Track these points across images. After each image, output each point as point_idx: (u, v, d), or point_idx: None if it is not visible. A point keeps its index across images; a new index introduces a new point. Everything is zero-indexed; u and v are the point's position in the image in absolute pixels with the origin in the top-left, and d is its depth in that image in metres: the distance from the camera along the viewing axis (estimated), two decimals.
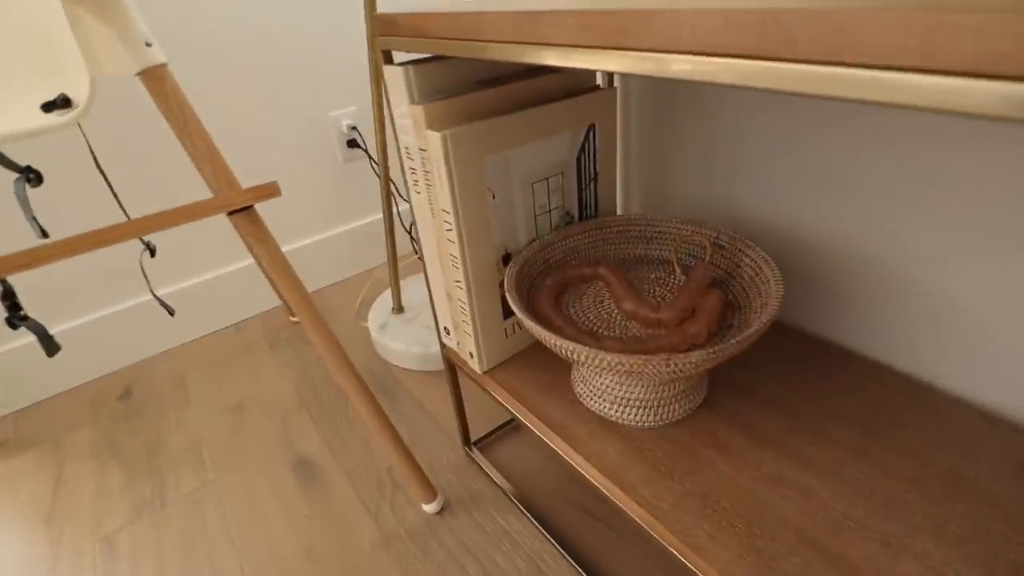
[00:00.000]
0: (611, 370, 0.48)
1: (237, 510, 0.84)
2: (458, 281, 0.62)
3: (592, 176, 0.67)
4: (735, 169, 0.68)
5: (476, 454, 0.87)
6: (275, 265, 0.63)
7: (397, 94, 0.57)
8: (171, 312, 0.87)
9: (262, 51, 1.14)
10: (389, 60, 0.57)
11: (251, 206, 0.61)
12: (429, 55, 0.57)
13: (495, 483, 0.82)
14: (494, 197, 0.59)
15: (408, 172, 0.62)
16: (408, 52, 0.53)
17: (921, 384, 0.59)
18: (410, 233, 1.30)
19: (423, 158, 0.57)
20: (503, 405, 0.66)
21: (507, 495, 0.80)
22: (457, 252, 0.59)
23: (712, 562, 0.46)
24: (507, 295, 0.56)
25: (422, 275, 1.29)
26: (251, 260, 1.27)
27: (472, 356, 0.68)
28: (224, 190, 0.59)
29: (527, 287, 0.62)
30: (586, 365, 0.49)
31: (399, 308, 1.16)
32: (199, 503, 0.86)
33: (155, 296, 0.88)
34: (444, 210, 0.58)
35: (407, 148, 0.60)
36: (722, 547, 0.47)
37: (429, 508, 0.79)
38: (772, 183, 0.65)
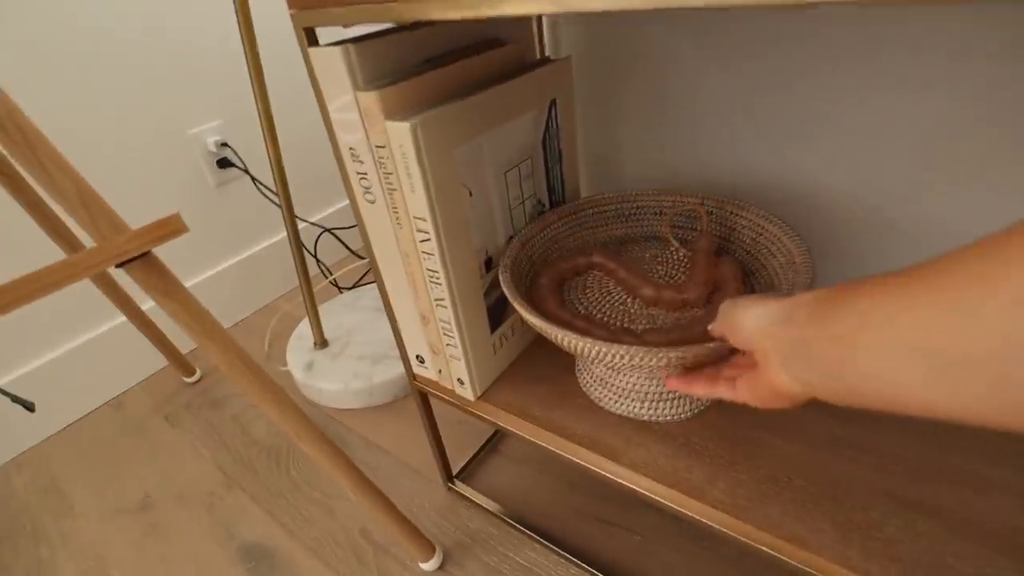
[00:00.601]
0: (673, 366, 0.41)
1: None
2: (440, 300, 0.52)
3: (557, 157, 0.60)
4: (688, 132, 0.65)
5: (462, 487, 0.77)
6: (193, 321, 0.48)
7: (333, 82, 0.45)
8: (30, 408, 0.66)
9: (95, 62, 0.91)
10: (314, 41, 0.45)
11: (149, 252, 0.46)
12: (364, 34, 0.46)
13: (494, 515, 0.73)
14: (471, 194, 0.50)
15: (356, 178, 0.50)
16: (345, 26, 0.42)
17: None
18: (315, 255, 1.14)
19: (380, 157, 0.46)
20: (511, 431, 0.57)
21: (511, 526, 0.71)
22: (438, 265, 0.49)
23: (818, 551, 0.42)
24: (514, 303, 0.47)
25: (338, 302, 1.13)
26: (119, 318, 1.03)
27: (462, 383, 0.58)
28: (109, 236, 0.43)
29: (524, 291, 0.54)
30: (640, 367, 0.42)
31: (322, 342, 1.01)
32: None
33: (3, 392, 0.66)
34: (418, 217, 0.47)
35: (353, 149, 0.48)
36: (820, 532, 0.43)
37: (428, 566, 0.68)
38: (732, 141, 0.63)
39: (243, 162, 1.09)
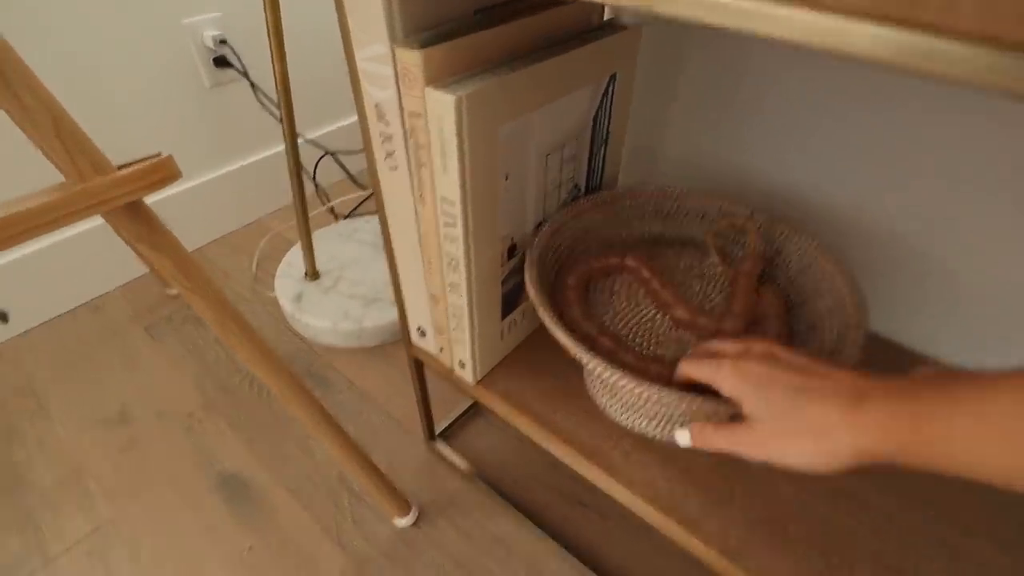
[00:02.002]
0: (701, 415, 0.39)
1: (155, 554, 0.67)
2: (455, 285, 0.48)
3: (604, 138, 0.54)
4: (749, 134, 0.59)
5: (443, 448, 0.76)
6: (183, 277, 0.43)
7: (366, 28, 0.38)
8: (3, 318, 0.62)
9: None
10: None
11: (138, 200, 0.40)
12: None
13: (473, 481, 0.73)
14: (507, 178, 0.45)
15: (379, 140, 0.44)
16: None
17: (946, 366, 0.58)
18: (314, 179, 1.06)
19: (412, 126, 0.40)
20: (506, 421, 0.55)
21: (490, 494, 0.71)
22: (460, 252, 0.45)
23: None
24: (541, 313, 0.44)
25: (333, 230, 1.08)
26: (96, 220, 0.97)
27: (463, 365, 0.56)
28: (89, 178, 0.38)
29: (548, 288, 0.50)
30: (665, 404, 0.39)
31: (313, 274, 0.97)
32: (99, 552, 0.67)
33: None
34: (447, 199, 0.42)
35: (379, 107, 0.42)
36: None
37: (402, 522, 0.68)
38: (795, 154, 0.57)
39: (242, 64, 0.99)
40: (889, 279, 0.58)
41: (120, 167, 0.39)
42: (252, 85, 0.99)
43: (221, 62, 0.99)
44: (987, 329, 0.55)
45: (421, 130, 0.40)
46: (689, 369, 0.39)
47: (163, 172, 0.40)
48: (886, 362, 0.58)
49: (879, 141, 0.52)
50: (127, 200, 0.38)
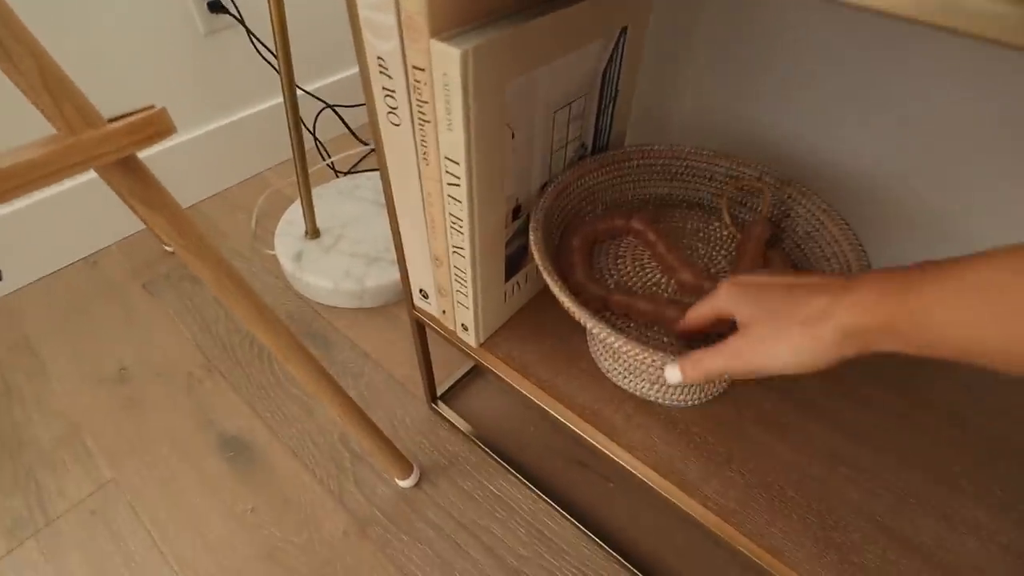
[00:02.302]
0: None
1: (157, 514, 0.68)
2: (458, 248, 0.47)
3: (612, 96, 0.52)
4: (761, 87, 0.57)
5: (444, 410, 0.77)
6: (179, 236, 0.42)
7: None
8: None
9: None
10: None
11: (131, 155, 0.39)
12: None
13: (474, 442, 0.74)
14: (513, 136, 0.43)
15: (381, 94, 0.42)
16: None
17: None
18: (313, 133, 1.04)
19: (416, 80, 0.39)
20: (510, 384, 0.55)
21: (491, 455, 0.72)
22: (464, 214, 0.44)
23: (793, 565, 0.42)
24: (547, 276, 0.43)
25: (333, 186, 1.06)
26: (90, 174, 0.95)
27: (466, 328, 0.55)
28: (80, 130, 0.36)
29: (552, 251, 0.49)
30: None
31: (314, 232, 0.95)
32: (101, 511, 0.68)
33: None
34: (450, 158, 0.41)
35: (381, 60, 0.40)
36: (800, 547, 0.43)
37: (405, 483, 0.69)
38: (811, 109, 0.55)
39: (238, 9, 0.95)
40: (899, 240, 0.57)
41: (111, 120, 0.37)
42: (248, 32, 0.95)
43: (216, 7, 0.95)
44: None
45: (425, 86, 0.38)
46: (692, 311, 0.40)
47: (156, 126, 0.38)
48: None
49: (892, 98, 0.50)
50: (119, 156, 0.36)
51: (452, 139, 0.39)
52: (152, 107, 0.39)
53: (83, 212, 0.96)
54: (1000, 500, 0.46)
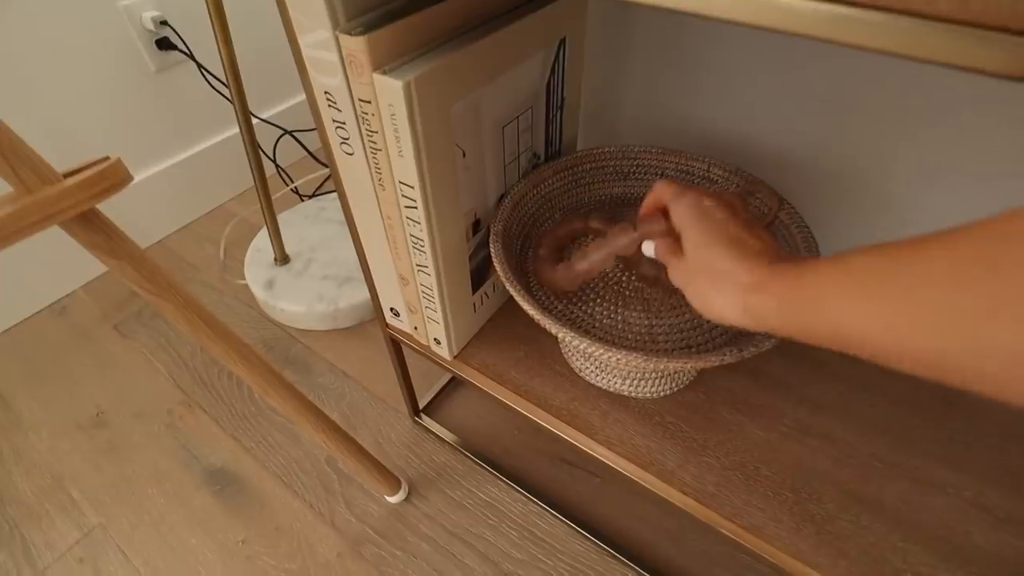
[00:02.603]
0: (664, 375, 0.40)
1: (147, 555, 0.67)
2: (423, 266, 0.48)
3: (559, 103, 0.54)
4: (700, 84, 0.59)
5: (428, 422, 0.78)
6: (145, 282, 0.43)
7: (307, 11, 0.37)
8: None
9: None
10: None
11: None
12: None
13: (460, 451, 0.75)
14: (464, 155, 0.44)
15: (332, 126, 0.43)
16: None
17: None
18: (274, 160, 1.03)
19: (364, 112, 0.40)
20: (486, 392, 0.56)
21: (477, 463, 0.73)
22: (424, 233, 0.45)
23: (773, 541, 0.44)
24: (509, 287, 0.44)
25: (299, 211, 1.06)
26: None
27: (439, 342, 0.56)
28: (37, 189, 0.37)
29: (514, 261, 0.50)
30: (644, 370, 0.41)
31: (283, 258, 0.95)
32: (89, 558, 0.67)
33: None
34: (404, 182, 0.42)
35: (329, 95, 0.41)
36: (778, 523, 0.45)
37: (394, 499, 0.70)
38: (749, 101, 0.58)
39: (187, 45, 0.94)
40: (840, 217, 0.60)
41: (67, 174, 0.38)
42: (199, 66, 0.95)
43: (164, 44, 0.95)
44: None
45: (373, 116, 0.39)
46: (657, 188, 0.39)
47: (111, 179, 0.39)
48: None
49: (823, 86, 0.53)
50: (77, 211, 0.37)
51: (404, 164, 0.41)
52: (107, 159, 0.40)
53: (46, 258, 0.94)
54: (962, 457, 0.48)
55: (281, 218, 1.00)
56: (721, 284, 0.32)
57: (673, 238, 0.38)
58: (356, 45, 0.36)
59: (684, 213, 0.36)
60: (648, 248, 0.40)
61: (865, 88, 0.51)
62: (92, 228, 0.39)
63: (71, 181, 0.37)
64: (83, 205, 0.37)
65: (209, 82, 0.96)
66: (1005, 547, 0.44)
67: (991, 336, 0.19)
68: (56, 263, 0.96)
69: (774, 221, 0.50)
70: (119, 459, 0.77)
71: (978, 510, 0.46)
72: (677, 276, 0.36)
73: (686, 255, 0.35)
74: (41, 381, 0.86)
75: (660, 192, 0.39)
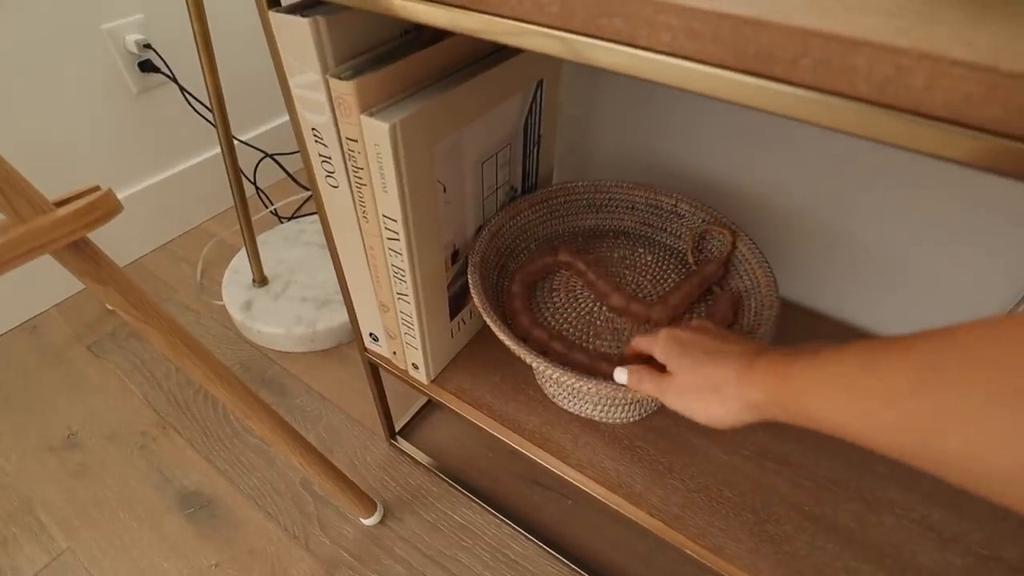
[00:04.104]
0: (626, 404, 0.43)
1: None
2: (403, 294, 0.50)
3: (536, 140, 0.57)
4: (669, 122, 0.63)
5: (404, 444, 0.79)
6: (132, 308, 0.44)
7: (298, 56, 0.39)
8: None
9: None
10: (276, 2, 0.39)
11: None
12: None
13: (435, 473, 0.76)
14: (445, 190, 0.47)
15: (318, 160, 0.45)
16: None
17: (851, 328, 0.65)
18: (254, 182, 1.05)
19: (350, 150, 0.42)
20: (462, 415, 0.58)
21: (452, 485, 0.74)
22: (405, 264, 0.47)
23: (734, 561, 0.47)
24: (487, 318, 0.46)
25: (278, 232, 1.07)
26: None
27: (416, 367, 0.58)
28: (30, 218, 0.38)
29: (491, 290, 0.53)
30: (615, 398, 0.43)
31: (262, 280, 0.96)
32: None
33: None
34: (388, 216, 0.44)
35: (316, 131, 0.43)
36: (739, 543, 0.48)
37: (369, 521, 0.71)
38: (714, 138, 0.61)
39: (170, 68, 0.96)
40: (801, 252, 0.64)
41: (58, 203, 0.39)
42: (182, 89, 0.96)
43: (147, 67, 0.96)
44: (883, 292, 0.62)
45: (359, 154, 0.42)
46: (635, 343, 0.43)
47: (104, 208, 0.40)
48: (801, 326, 0.64)
49: (786, 126, 0.57)
50: (69, 240, 0.38)
51: (388, 199, 0.43)
52: (97, 188, 0.41)
53: (18, 277, 0.93)
54: (910, 478, 0.51)
55: (260, 239, 1.01)
56: (716, 387, 0.34)
57: (648, 368, 0.40)
58: (345, 89, 0.38)
59: (665, 348, 0.39)
60: (621, 375, 0.42)
61: (819, 137, 0.55)
62: (82, 256, 0.41)
63: (64, 211, 0.38)
64: (75, 235, 0.39)
65: (192, 105, 0.97)
66: (949, 567, 0.46)
67: (944, 446, 0.21)
68: (29, 282, 0.95)
69: (732, 254, 0.53)
70: (90, 482, 0.76)
71: (925, 530, 0.49)
72: (675, 398, 0.38)
73: (677, 382, 0.37)
74: (11, 402, 0.85)
75: (639, 347, 0.43)
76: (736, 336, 0.38)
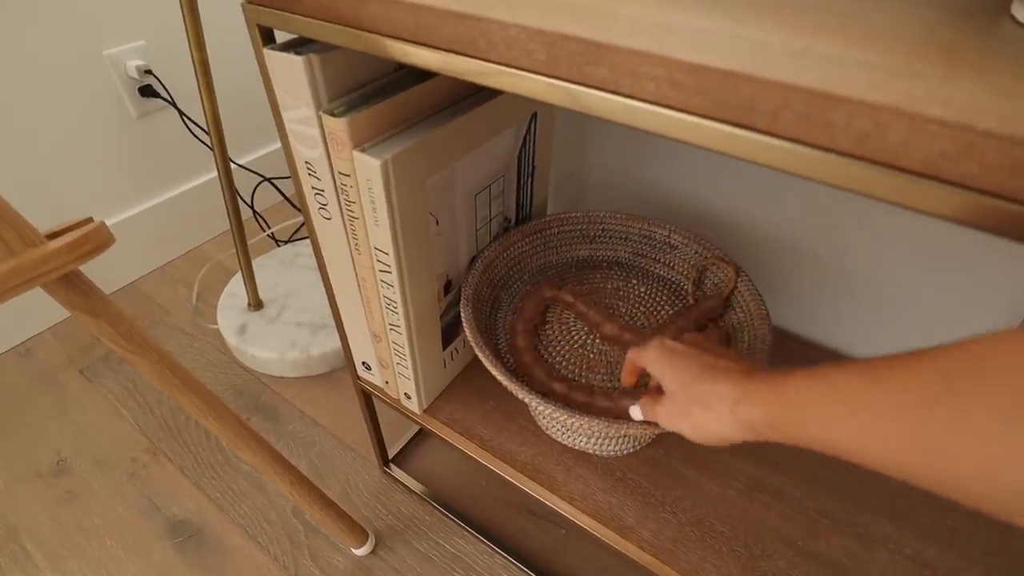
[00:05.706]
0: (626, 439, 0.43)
1: None
2: (395, 325, 0.50)
3: (530, 171, 0.57)
4: (661, 154, 0.64)
5: (397, 472, 0.78)
6: (122, 340, 0.44)
7: (292, 92, 0.40)
8: None
9: None
10: (270, 39, 0.40)
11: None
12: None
13: (427, 502, 0.75)
14: (437, 223, 0.47)
15: (311, 192, 0.46)
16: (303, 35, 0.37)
17: (844, 356, 0.65)
18: (251, 206, 1.05)
19: (343, 184, 0.42)
20: (455, 447, 0.57)
21: (445, 514, 0.74)
22: (397, 296, 0.47)
23: None
24: (479, 353, 0.46)
25: (275, 256, 1.07)
26: None
27: (409, 396, 0.58)
28: (20, 251, 0.38)
29: (484, 323, 0.53)
30: (613, 436, 0.43)
31: (257, 304, 0.96)
32: None
33: None
34: (380, 249, 0.44)
35: (310, 164, 0.43)
36: None
37: (360, 551, 0.70)
38: (706, 170, 0.62)
39: (170, 93, 0.97)
40: (792, 281, 0.64)
41: (50, 235, 0.39)
42: (181, 114, 0.97)
43: (147, 92, 0.97)
44: (874, 320, 0.62)
45: (351, 188, 0.42)
46: (629, 355, 0.43)
47: (96, 241, 0.40)
48: (792, 353, 0.64)
49: None
50: (60, 273, 0.38)
51: (380, 232, 0.43)
52: (90, 220, 0.41)
53: (12, 299, 0.93)
54: (903, 511, 0.51)
55: (256, 262, 1.01)
56: (710, 406, 0.33)
57: (651, 395, 0.40)
58: (338, 125, 0.39)
59: (656, 359, 0.38)
60: (636, 412, 0.41)
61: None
62: (73, 289, 0.41)
63: (55, 244, 0.38)
64: (66, 268, 0.39)
65: (191, 130, 0.98)
66: None
67: (955, 461, 0.20)
68: (22, 304, 0.94)
69: (733, 292, 0.53)
70: (78, 509, 0.75)
71: (919, 567, 0.48)
72: (668, 419, 0.37)
73: (670, 397, 0.37)
74: (1, 426, 0.84)
75: (631, 358, 0.43)
76: (731, 351, 0.38)
